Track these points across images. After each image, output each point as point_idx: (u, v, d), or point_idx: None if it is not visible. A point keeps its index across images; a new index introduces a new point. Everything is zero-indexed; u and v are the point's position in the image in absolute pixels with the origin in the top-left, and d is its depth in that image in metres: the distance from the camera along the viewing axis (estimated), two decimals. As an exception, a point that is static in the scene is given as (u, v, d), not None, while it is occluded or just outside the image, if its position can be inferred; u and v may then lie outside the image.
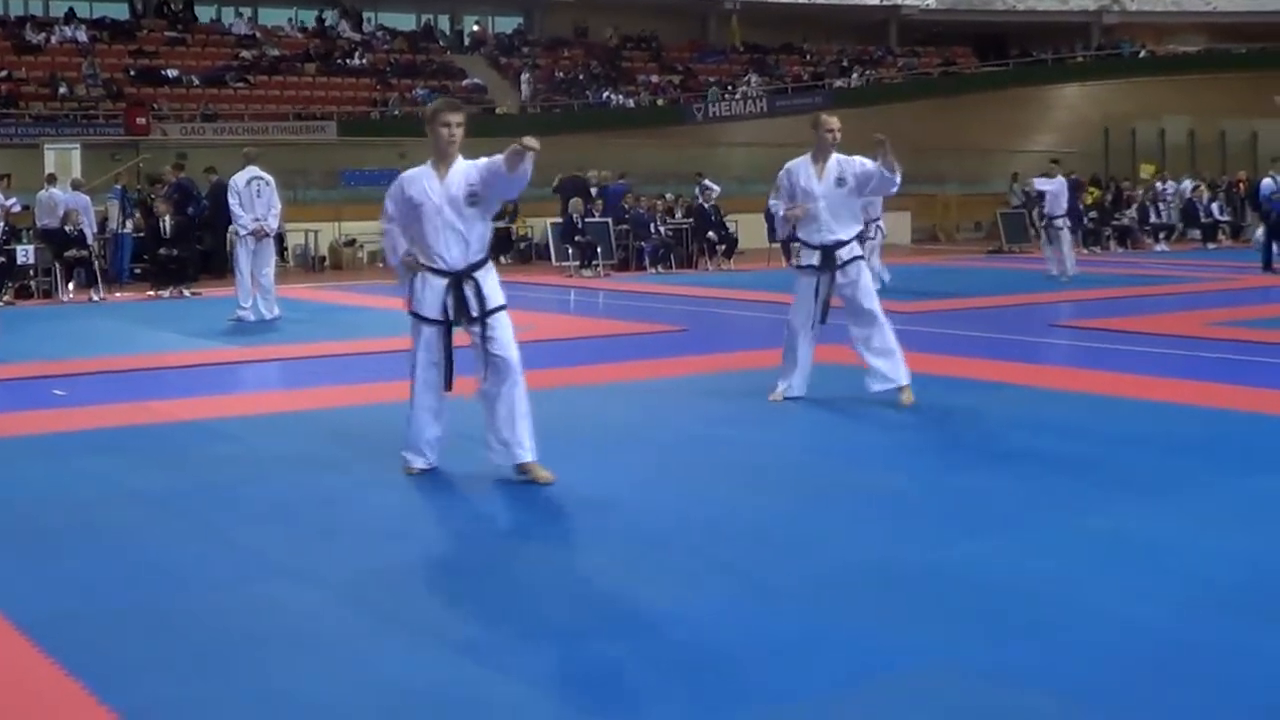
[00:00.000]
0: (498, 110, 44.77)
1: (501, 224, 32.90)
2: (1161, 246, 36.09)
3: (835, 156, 11.23)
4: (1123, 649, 5.41)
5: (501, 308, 8.46)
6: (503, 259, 32.16)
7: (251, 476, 8.90)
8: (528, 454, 8.43)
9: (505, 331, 8.43)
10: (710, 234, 30.57)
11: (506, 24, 54.81)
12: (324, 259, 32.10)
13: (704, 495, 8.16)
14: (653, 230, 30.29)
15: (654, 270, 29.24)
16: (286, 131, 38.29)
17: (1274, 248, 26.64)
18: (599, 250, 28.59)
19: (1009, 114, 49.97)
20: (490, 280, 8.48)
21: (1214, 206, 38.73)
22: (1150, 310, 18.88)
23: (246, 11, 49.75)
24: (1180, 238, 38.37)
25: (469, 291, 8.36)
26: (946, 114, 47.54)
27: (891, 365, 11.22)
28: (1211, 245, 36.79)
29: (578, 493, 8.24)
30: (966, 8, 58.31)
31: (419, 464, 8.74)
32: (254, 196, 18.91)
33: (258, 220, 18.94)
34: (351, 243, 32.71)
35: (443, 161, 8.48)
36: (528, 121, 42.75)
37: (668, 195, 33.20)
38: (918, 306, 19.59)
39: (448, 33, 52.28)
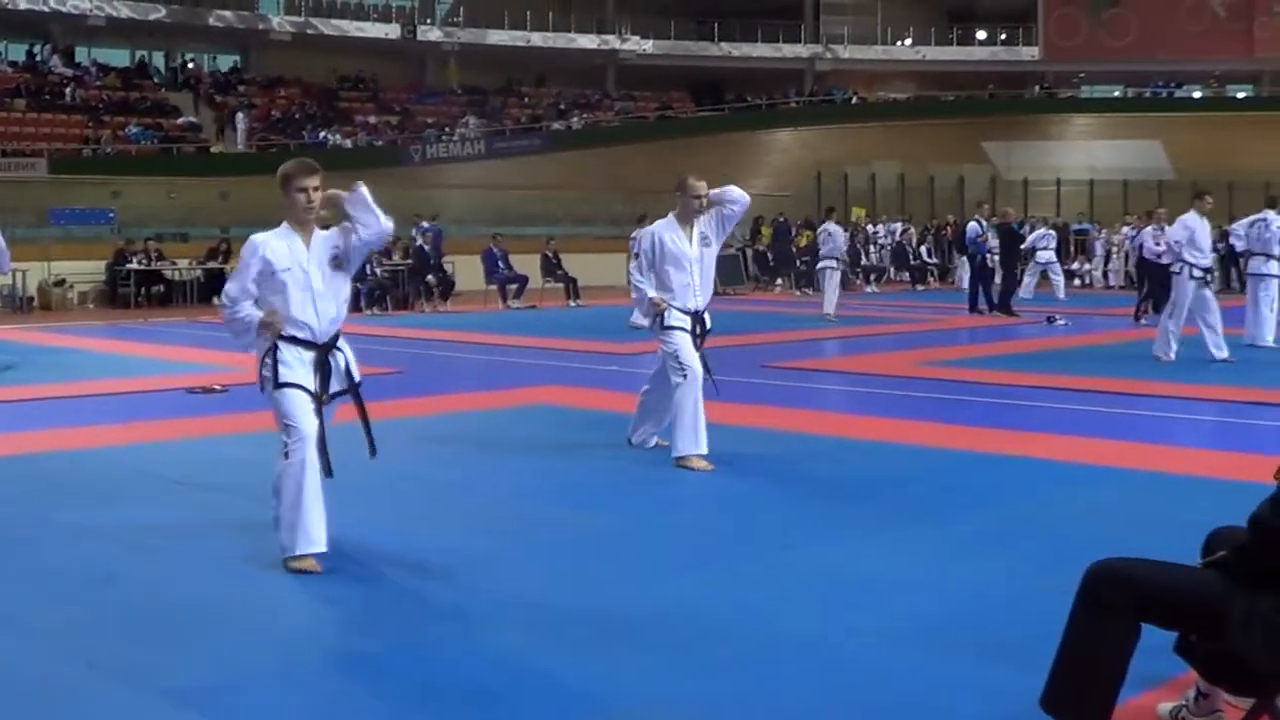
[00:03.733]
0: (213, 149, 44.06)
1: (215, 264, 32.40)
2: (872, 288, 36.89)
3: (703, 220, 10.88)
4: (827, 680, 5.48)
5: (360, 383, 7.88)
6: (215, 300, 31.58)
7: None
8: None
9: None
10: (428, 276, 30.45)
11: (223, 62, 54.02)
12: (32, 299, 31.20)
13: (421, 536, 8.11)
14: (369, 271, 30.01)
15: (370, 311, 28.97)
16: (-5, 169, 37.15)
17: (979, 290, 27.38)
18: (314, 291, 28.17)
19: (725, 157, 50.58)
20: (350, 352, 7.83)
21: (923, 249, 39.75)
22: (861, 350, 19.24)
23: (-46, 44, 48.26)
24: (890, 280, 39.28)
25: (336, 363, 7.68)
26: (663, 157, 48.00)
27: None
28: (920, 287, 37.76)
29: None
30: (683, 53, 59.08)
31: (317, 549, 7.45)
32: (-30, 235, 18.26)
33: None
34: (61, 283, 31.88)
35: (302, 228, 7.64)
36: (243, 161, 42.11)
37: (384, 236, 32.90)
38: (638, 348, 19.69)
39: (162, 70, 51.23)
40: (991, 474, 10.03)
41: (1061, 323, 24.90)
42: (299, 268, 7.53)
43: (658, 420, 11.09)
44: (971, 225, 28.11)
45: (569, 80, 57.89)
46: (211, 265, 32.84)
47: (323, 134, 46.24)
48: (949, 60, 61.75)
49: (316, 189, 7.59)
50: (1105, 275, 39.34)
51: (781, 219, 39.94)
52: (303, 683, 5.54)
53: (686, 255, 10.74)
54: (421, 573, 7.31)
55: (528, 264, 31.97)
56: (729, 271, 36.84)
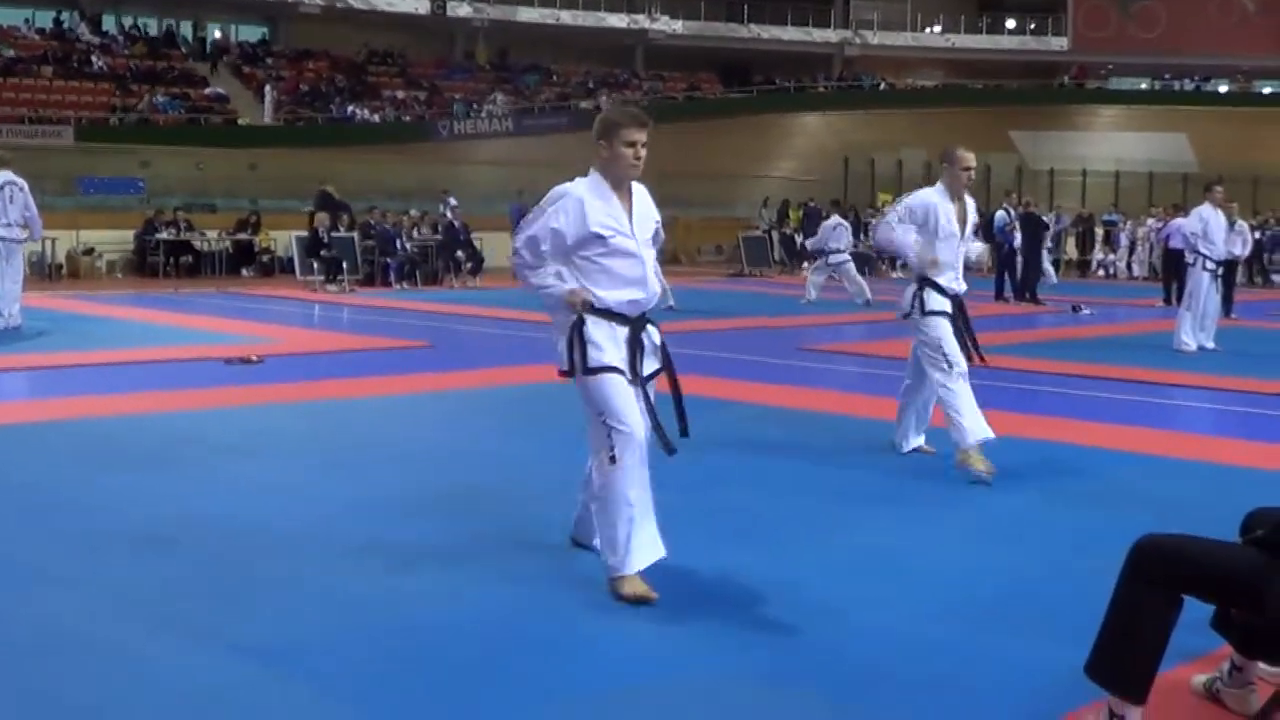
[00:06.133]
0: (240, 121, 44.20)
1: (245, 236, 32.58)
2: (898, 274, 36.92)
3: (967, 198, 10.07)
4: (869, 653, 5.62)
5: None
6: (244, 271, 31.85)
7: (6, 485, 8.70)
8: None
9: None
10: (458, 251, 30.63)
11: (251, 33, 54.12)
12: (61, 267, 31.35)
13: (460, 508, 8.19)
14: (399, 246, 30.21)
15: (399, 286, 29.15)
16: (21, 135, 37.14)
17: (1006, 278, 27.50)
18: (344, 265, 28.41)
19: (751, 140, 50.76)
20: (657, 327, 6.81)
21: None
22: (890, 336, 19.29)
23: (-19, 11, 48.39)
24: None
25: (650, 339, 6.68)
26: (690, 138, 48.09)
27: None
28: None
29: (340, 504, 8.22)
30: (712, 34, 59.13)
31: (657, 552, 6.44)
32: (7, 202, 18.40)
33: (9, 225, 18.43)
34: (90, 251, 32.01)
35: (619, 186, 6.56)
36: (270, 134, 42.30)
37: (413, 211, 33.10)
38: (674, 327, 19.86)
39: (190, 40, 51.36)
40: (1022, 457, 10.08)
41: (1087, 312, 25.02)
42: (624, 232, 6.53)
43: (922, 424, 10.36)
44: (999, 214, 28.24)
45: (598, 59, 57.94)
46: (241, 237, 33.02)
47: (350, 108, 46.36)
48: (978, 49, 61.75)
49: (645, 145, 6.53)
50: (1129, 266, 39.47)
51: (811, 203, 40.06)
52: (364, 642, 5.67)
53: (956, 234, 9.87)
54: (471, 540, 7.42)
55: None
56: (756, 254, 37.12)
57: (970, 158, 9.87)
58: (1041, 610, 6.24)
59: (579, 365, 6.44)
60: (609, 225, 6.45)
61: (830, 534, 7.77)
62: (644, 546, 6.32)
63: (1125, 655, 4.43)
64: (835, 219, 27.91)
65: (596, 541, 6.71)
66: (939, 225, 9.76)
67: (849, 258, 27.35)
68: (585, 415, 6.51)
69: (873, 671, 5.43)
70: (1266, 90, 61.77)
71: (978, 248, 10.25)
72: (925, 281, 9.83)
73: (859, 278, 27.16)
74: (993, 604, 6.37)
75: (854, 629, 5.94)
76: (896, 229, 9.90)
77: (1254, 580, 4.32)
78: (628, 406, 6.37)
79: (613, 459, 6.32)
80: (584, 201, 6.45)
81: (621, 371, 6.43)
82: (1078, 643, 4.69)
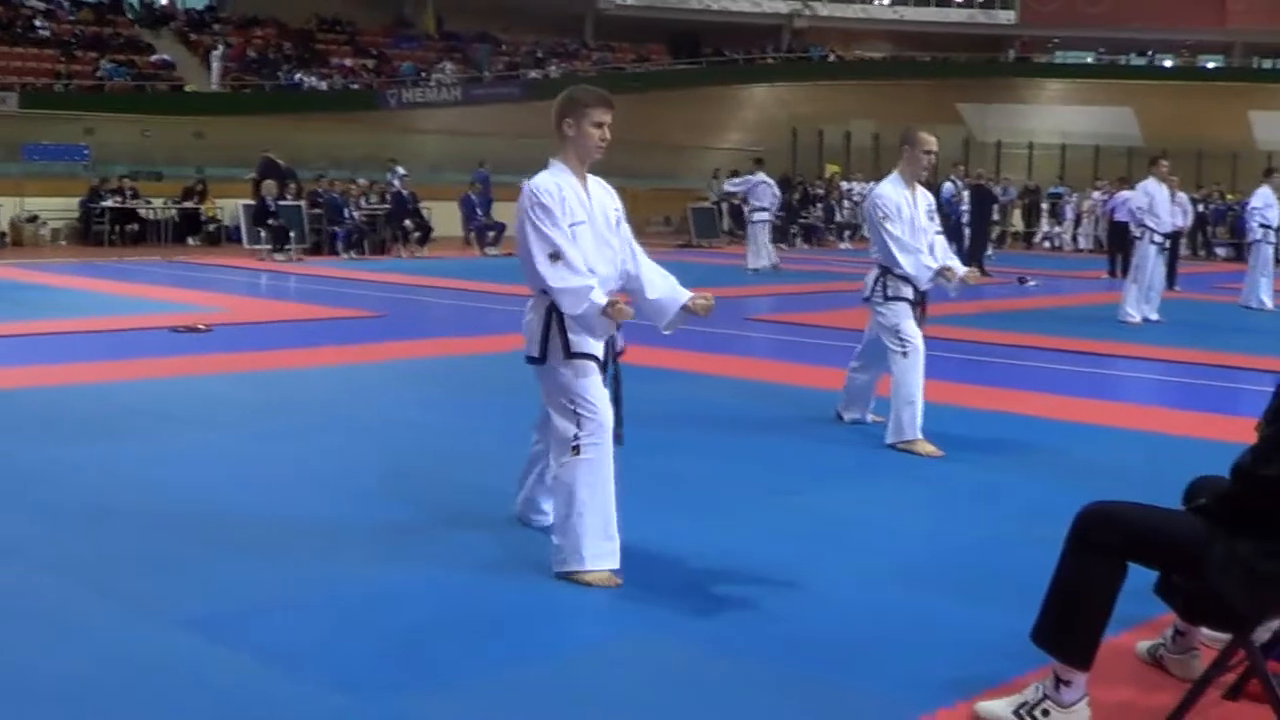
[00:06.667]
0: (186, 88, 43.88)
1: (191, 204, 32.40)
2: (845, 245, 37.10)
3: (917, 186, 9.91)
4: (819, 615, 5.70)
5: None
6: (190, 240, 31.68)
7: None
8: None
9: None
10: (406, 221, 30.57)
11: (197, 0, 53.68)
12: (4, 235, 31.11)
13: (409, 477, 8.20)
14: (346, 215, 30.11)
15: (347, 255, 29.05)
16: (-36, 102, 36.92)
17: (952, 249, 27.57)
18: (291, 234, 28.30)
19: (700, 112, 50.68)
20: None
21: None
22: (837, 305, 19.37)
23: (-77, -25, 47.80)
24: (864, 237, 39.47)
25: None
26: (639, 109, 47.92)
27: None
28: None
29: (288, 474, 8.23)
30: (661, 5, 58.85)
31: (614, 561, 6.21)
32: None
33: None
34: (34, 219, 31.76)
35: (580, 167, 6.47)
36: (217, 101, 42.02)
37: (360, 180, 32.99)
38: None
39: (136, 6, 50.89)
40: (968, 427, 10.16)
41: (1033, 284, 25.21)
42: (586, 215, 6.36)
43: (867, 399, 10.39)
44: (946, 185, 28.32)
45: (547, 29, 57.70)
46: (187, 205, 32.84)
47: (298, 76, 46.06)
48: (926, 21, 61.79)
49: (610, 126, 6.45)
50: (1075, 238, 39.72)
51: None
52: (312, 611, 5.69)
53: (918, 223, 9.76)
54: (417, 511, 7.44)
55: (505, 211, 32.07)
56: (704, 225, 37.17)
57: (932, 141, 9.78)
58: (987, 577, 6.32)
59: (559, 350, 6.23)
60: (575, 210, 6.31)
61: (778, 502, 7.84)
62: (600, 555, 6.13)
63: (1071, 621, 4.48)
64: (761, 175, 28.51)
65: (537, 518, 6.70)
66: (904, 218, 9.66)
67: (769, 219, 28.48)
68: (550, 401, 6.34)
69: (819, 636, 5.48)
70: (1210, 65, 62.11)
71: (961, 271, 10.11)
72: (889, 269, 9.77)
73: (769, 244, 28.43)
74: (939, 571, 6.44)
75: (801, 595, 5.99)
76: (908, 244, 9.66)
77: (1197, 547, 4.38)
78: (600, 395, 6.23)
79: (576, 448, 6.14)
80: (559, 190, 6.28)
81: (597, 359, 6.28)
82: (1024, 609, 4.72)
